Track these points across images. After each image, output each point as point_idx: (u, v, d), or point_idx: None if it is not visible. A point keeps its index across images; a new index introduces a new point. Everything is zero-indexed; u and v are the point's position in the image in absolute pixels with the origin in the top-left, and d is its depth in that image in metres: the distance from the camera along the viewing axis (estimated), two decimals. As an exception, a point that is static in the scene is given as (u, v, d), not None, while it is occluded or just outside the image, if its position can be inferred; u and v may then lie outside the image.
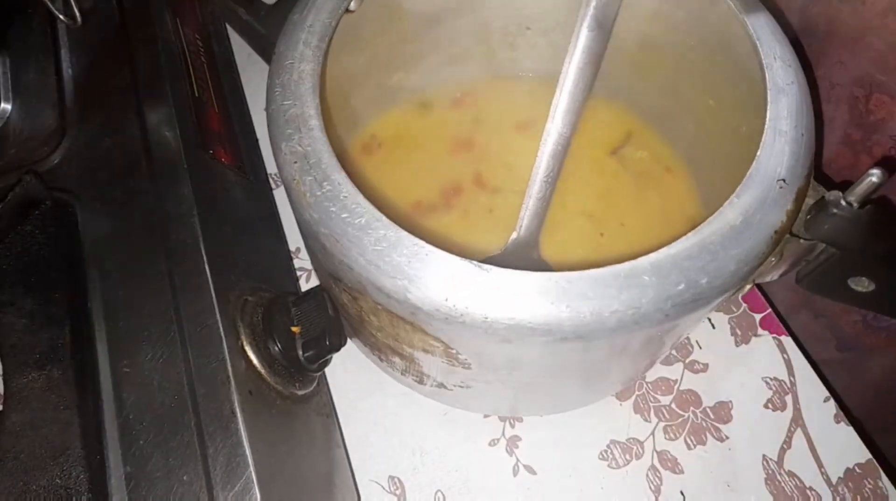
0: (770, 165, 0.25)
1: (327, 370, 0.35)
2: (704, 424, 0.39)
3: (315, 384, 0.33)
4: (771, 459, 0.38)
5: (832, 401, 0.39)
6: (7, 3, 0.40)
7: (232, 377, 0.27)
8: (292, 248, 0.44)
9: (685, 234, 0.24)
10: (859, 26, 0.33)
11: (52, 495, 0.25)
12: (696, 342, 0.42)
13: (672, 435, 0.38)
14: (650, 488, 0.37)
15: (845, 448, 0.38)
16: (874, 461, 0.37)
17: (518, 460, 0.37)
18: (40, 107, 0.36)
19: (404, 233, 0.24)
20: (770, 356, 0.41)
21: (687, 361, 0.41)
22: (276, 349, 0.30)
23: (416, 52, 0.40)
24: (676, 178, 0.40)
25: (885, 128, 0.34)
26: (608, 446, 0.38)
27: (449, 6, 0.38)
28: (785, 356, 0.41)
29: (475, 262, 0.23)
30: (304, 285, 0.43)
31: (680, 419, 0.39)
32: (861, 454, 0.38)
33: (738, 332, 0.42)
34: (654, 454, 0.38)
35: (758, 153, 0.26)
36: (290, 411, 0.30)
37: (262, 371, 0.29)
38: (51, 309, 0.29)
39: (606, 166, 0.41)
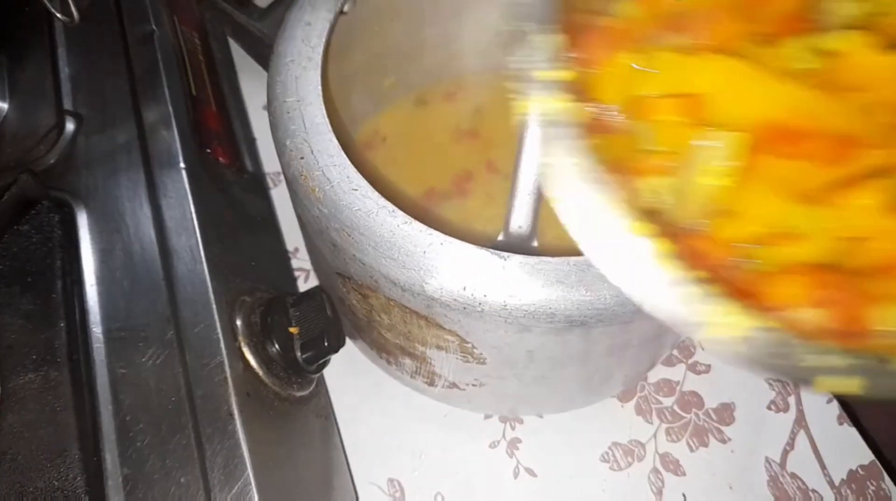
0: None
1: (326, 371, 0.35)
2: (707, 425, 0.39)
3: (313, 386, 0.33)
4: (774, 461, 0.37)
5: (835, 402, 0.39)
6: (4, 1, 0.40)
7: (230, 379, 0.27)
8: (290, 248, 0.44)
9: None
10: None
11: (49, 497, 0.25)
12: (699, 342, 0.41)
13: (674, 437, 0.38)
14: (652, 490, 0.36)
15: (848, 449, 0.38)
16: (877, 462, 0.37)
17: (519, 462, 0.37)
18: (37, 105, 0.36)
19: (418, 223, 0.24)
20: (773, 356, 0.41)
21: (689, 362, 0.41)
22: (275, 350, 0.29)
23: (411, 52, 0.40)
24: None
25: None
26: (610, 448, 0.38)
27: (440, 8, 0.38)
28: (787, 356, 0.41)
29: (492, 250, 0.23)
30: (303, 286, 0.43)
31: (682, 421, 0.39)
32: (864, 455, 0.38)
33: (741, 333, 0.42)
34: (657, 455, 0.37)
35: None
36: (288, 412, 0.30)
37: (260, 373, 0.29)
38: (48, 310, 0.29)
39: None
